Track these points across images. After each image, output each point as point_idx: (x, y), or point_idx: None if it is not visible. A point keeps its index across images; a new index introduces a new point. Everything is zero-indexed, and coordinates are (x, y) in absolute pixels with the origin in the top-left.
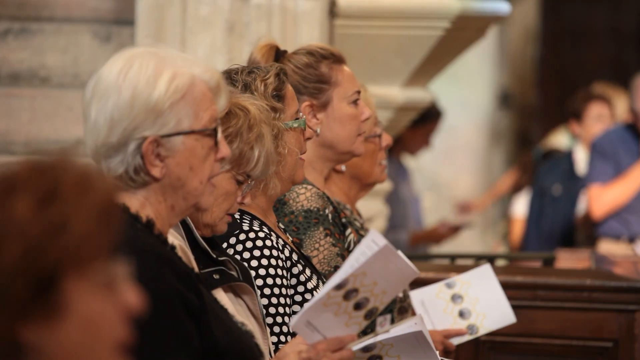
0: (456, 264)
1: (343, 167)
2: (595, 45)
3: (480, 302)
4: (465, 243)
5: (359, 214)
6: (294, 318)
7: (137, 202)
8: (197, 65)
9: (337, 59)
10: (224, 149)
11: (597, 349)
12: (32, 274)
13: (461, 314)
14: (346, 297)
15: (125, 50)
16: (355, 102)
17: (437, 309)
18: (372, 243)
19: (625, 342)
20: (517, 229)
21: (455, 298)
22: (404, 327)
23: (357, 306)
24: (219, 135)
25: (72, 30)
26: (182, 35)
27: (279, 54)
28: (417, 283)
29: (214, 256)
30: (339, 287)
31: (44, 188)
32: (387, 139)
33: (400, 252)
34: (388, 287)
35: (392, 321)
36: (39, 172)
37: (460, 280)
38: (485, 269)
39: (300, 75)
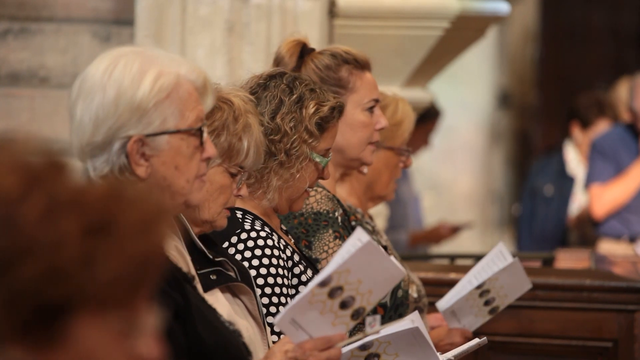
0: (456, 264)
1: (365, 170)
2: (595, 45)
3: (504, 288)
4: (465, 243)
5: (370, 218)
6: (278, 315)
7: None
8: (183, 65)
9: (359, 65)
10: (210, 149)
11: (597, 349)
12: (43, 298)
13: (486, 303)
14: (331, 295)
15: (111, 50)
16: (370, 110)
17: (466, 310)
18: (357, 241)
19: (625, 342)
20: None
21: (483, 293)
22: (400, 325)
23: (343, 305)
24: (205, 134)
25: (72, 30)
26: (182, 35)
27: (304, 52)
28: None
29: (211, 257)
30: (322, 284)
31: (100, 217)
32: (410, 161)
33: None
34: (374, 286)
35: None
36: (100, 198)
37: (490, 279)
38: (515, 265)
39: (319, 77)
